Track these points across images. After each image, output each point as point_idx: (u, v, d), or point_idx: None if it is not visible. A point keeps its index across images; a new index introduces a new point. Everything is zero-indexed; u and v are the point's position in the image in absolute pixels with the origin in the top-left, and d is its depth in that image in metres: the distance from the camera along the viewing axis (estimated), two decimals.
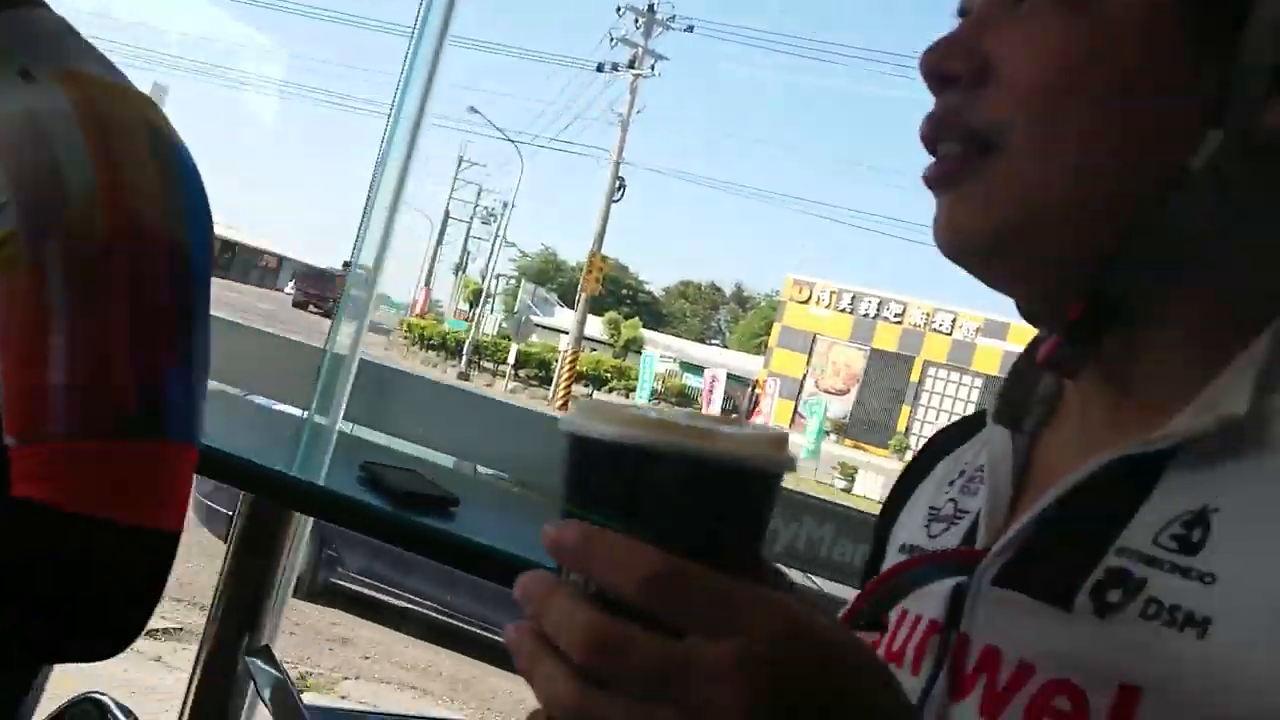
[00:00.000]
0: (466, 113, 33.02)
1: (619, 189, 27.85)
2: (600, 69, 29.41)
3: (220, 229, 53.12)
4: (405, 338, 35.52)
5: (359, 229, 1.87)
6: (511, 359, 31.86)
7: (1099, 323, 0.52)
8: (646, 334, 48.54)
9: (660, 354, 36.80)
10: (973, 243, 0.54)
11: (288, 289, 47.34)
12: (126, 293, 0.78)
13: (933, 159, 0.55)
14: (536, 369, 32.50)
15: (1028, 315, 0.59)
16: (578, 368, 29.39)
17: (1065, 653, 0.49)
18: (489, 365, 33.22)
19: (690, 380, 34.92)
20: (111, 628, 0.80)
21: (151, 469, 0.80)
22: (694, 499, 0.38)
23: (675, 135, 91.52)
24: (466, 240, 51.96)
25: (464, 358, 31.38)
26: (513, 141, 34.31)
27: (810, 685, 0.38)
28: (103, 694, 1.13)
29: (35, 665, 0.93)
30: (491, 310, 47.10)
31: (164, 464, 0.81)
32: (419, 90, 1.83)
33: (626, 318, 51.33)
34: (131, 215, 0.79)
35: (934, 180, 0.55)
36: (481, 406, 2.40)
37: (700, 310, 73.09)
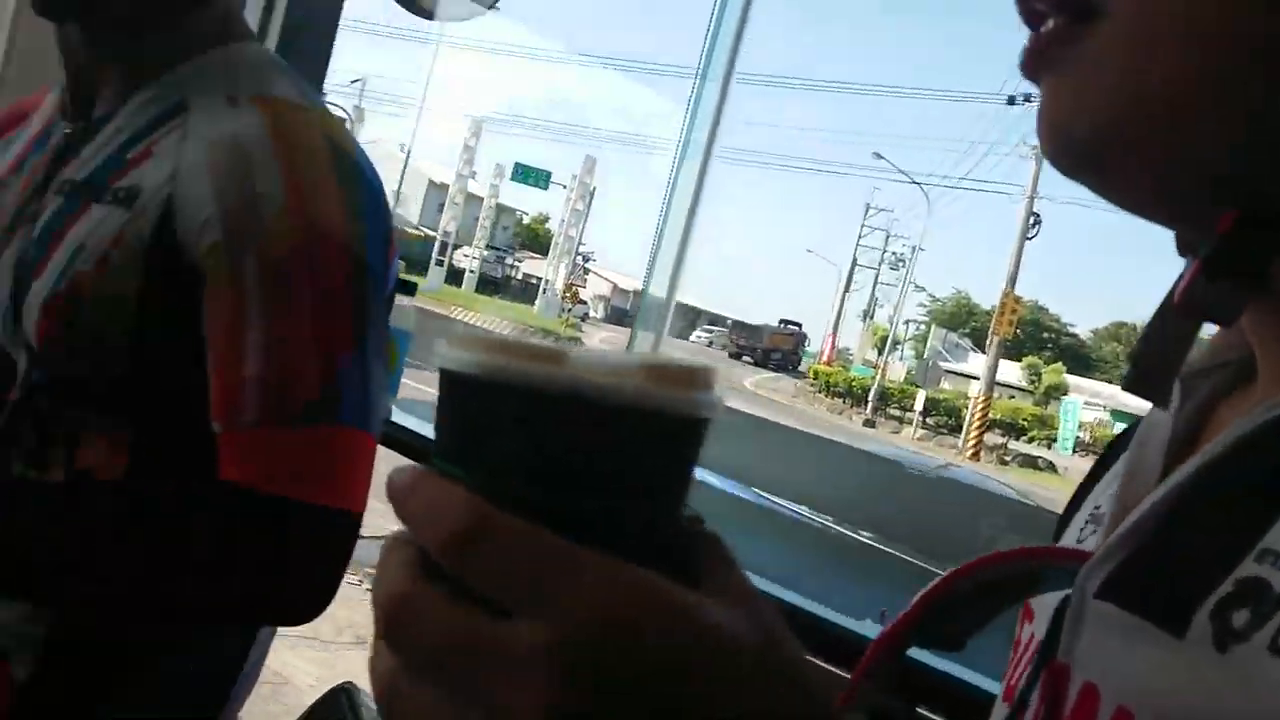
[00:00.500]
0: (872, 159, 33.14)
1: (1033, 225, 26.49)
2: (1012, 101, 28.31)
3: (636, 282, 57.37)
4: (812, 385, 36.11)
5: (650, 260, 2.15)
6: (919, 406, 31.23)
7: (1253, 241, 0.38)
8: (1072, 380, 45.12)
9: (1086, 401, 34.09)
10: (1075, 136, 0.41)
11: (695, 336, 50.05)
12: (309, 295, 0.87)
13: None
14: (946, 416, 31.54)
15: (1181, 248, 0.45)
16: (993, 415, 28.13)
17: (1170, 694, 0.36)
18: (896, 412, 32.80)
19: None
20: (298, 600, 0.88)
21: (331, 453, 0.87)
22: (534, 440, 0.31)
23: None
24: (875, 286, 51.76)
25: (870, 404, 31.27)
26: (918, 184, 33.92)
27: (645, 685, 0.29)
28: (353, 684, 1.17)
29: (238, 631, 1.04)
30: (900, 356, 46.41)
31: (342, 449, 0.88)
32: (706, 126, 2.05)
33: (1047, 362, 48.21)
34: (313, 225, 0.87)
35: (1029, 61, 0.42)
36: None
37: None
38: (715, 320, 56.85)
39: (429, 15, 3.04)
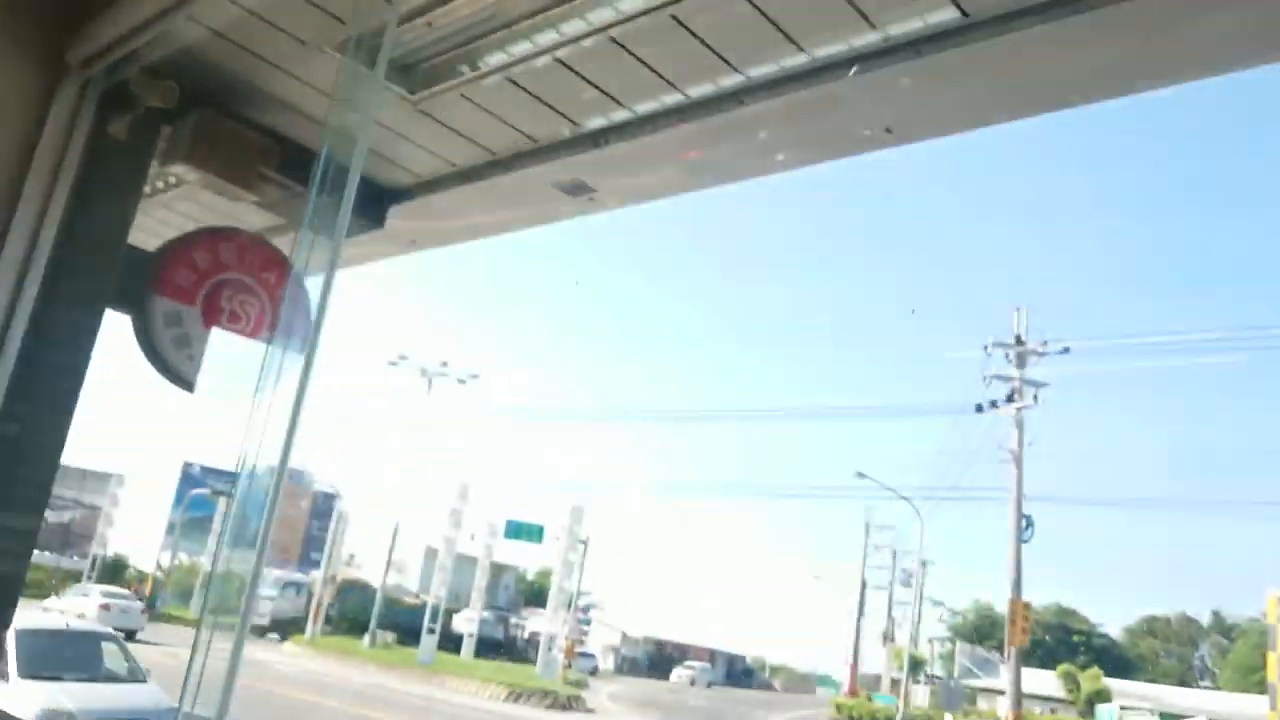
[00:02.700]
0: (855, 479, 33.44)
1: (1026, 528, 26.22)
2: (979, 409, 29.02)
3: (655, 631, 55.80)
4: (835, 719, 34.01)
5: None
6: None
7: None
8: (1112, 683, 42.72)
9: (1126, 706, 31.99)
10: None
11: (676, 674, 48.01)
12: None
13: None
14: None
15: None
16: None
17: None
18: None
19: None
20: None
21: None
22: None
23: (1085, 460, 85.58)
24: (890, 608, 50.27)
25: None
26: (905, 499, 33.97)
27: None
28: None
29: None
30: (926, 679, 44.07)
31: None
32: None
33: (1082, 668, 45.79)
34: None
35: None
36: None
37: (1175, 648, 63.50)
38: (684, 653, 54.86)
39: (189, 389, 3.15)
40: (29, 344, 2.72)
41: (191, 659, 1.52)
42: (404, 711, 20.73)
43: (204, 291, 3.21)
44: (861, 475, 33.22)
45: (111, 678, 10.84)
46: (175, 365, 3.12)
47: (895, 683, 41.77)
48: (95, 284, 2.96)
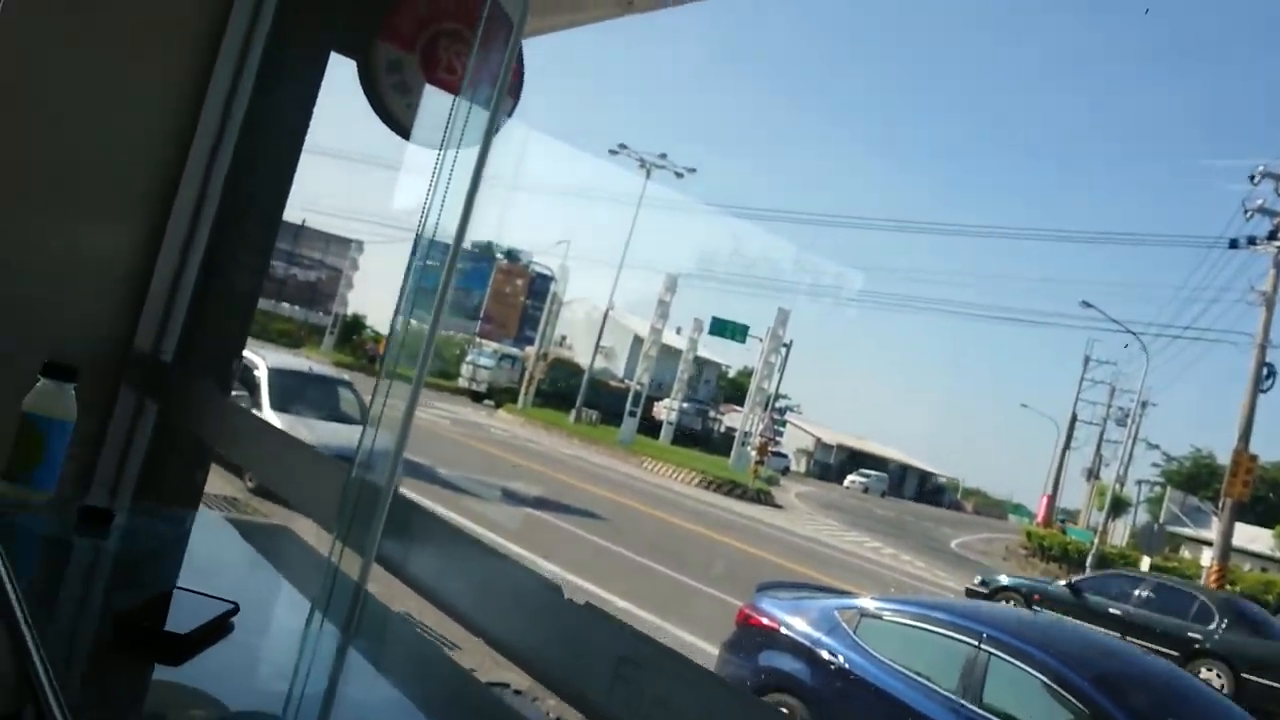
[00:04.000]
0: (1080, 308, 31.54)
1: (1267, 377, 24.18)
2: (1234, 244, 26.41)
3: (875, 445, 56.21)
4: (1025, 547, 33.68)
5: None
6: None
7: None
8: None
9: None
10: None
11: (849, 481, 48.36)
12: None
13: None
14: None
15: None
16: (1237, 588, 25.15)
17: None
18: None
19: None
20: None
21: None
22: None
23: None
24: (1100, 445, 48.34)
25: (1086, 570, 28.73)
26: (1134, 334, 31.88)
27: None
28: None
29: None
30: (1133, 519, 42.70)
31: None
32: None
33: None
34: None
35: None
36: None
37: None
38: (879, 464, 54.66)
39: (405, 135, 3.18)
40: (260, 83, 2.82)
41: (373, 400, 1.66)
42: (605, 483, 22.06)
43: (424, 40, 3.20)
44: (1087, 305, 31.29)
45: (343, 418, 12.01)
46: (395, 112, 3.16)
47: (1096, 525, 40.69)
48: (322, 25, 3.00)
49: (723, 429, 49.36)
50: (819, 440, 55.32)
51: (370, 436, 1.60)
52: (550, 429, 34.13)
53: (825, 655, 6.16)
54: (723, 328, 37.11)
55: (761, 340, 36.17)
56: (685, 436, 41.59)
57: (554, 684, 1.17)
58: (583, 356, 43.92)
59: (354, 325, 45.29)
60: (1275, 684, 12.88)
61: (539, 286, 48.71)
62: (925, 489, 58.73)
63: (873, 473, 51.86)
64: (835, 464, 55.12)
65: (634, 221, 43.15)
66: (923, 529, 34.17)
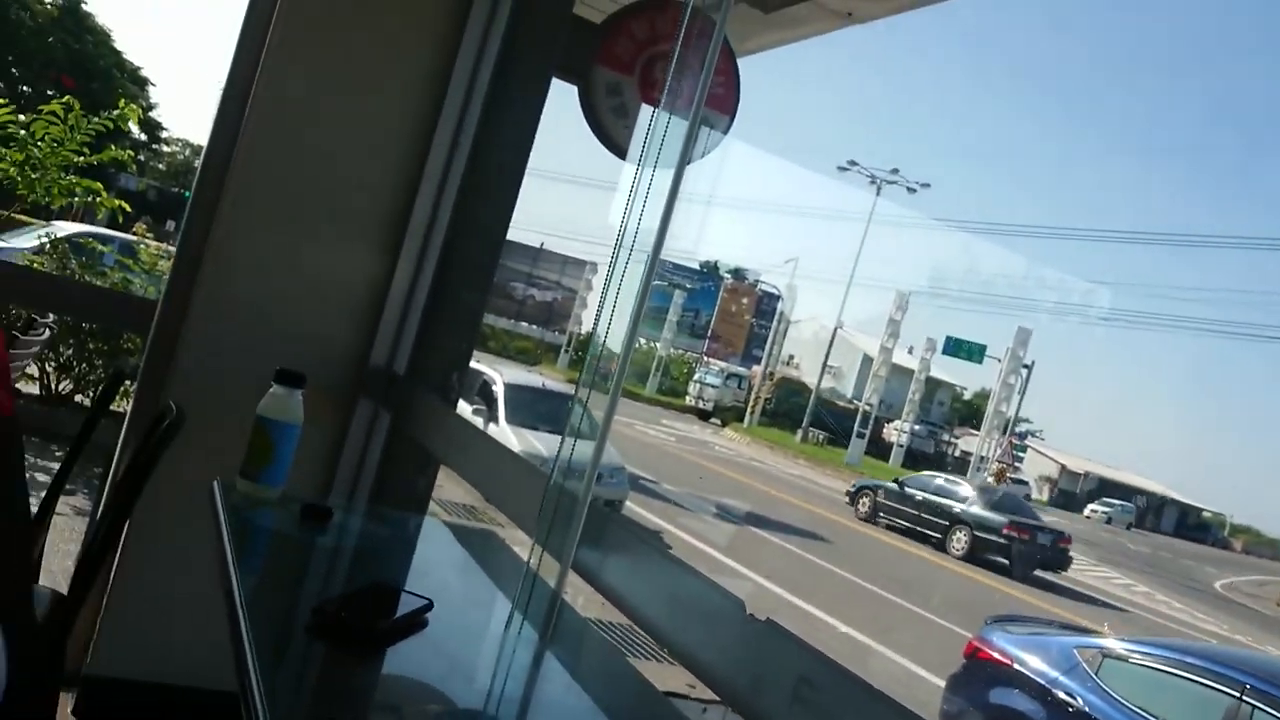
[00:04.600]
0: None
1: None
2: None
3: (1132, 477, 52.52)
4: None
5: None
6: None
7: None
8: None
9: None
10: None
11: (1089, 510, 44.38)
12: None
13: None
14: None
15: None
16: None
17: None
18: None
19: None
20: None
21: None
22: None
23: None
24: None
25: None
26: None
27: None
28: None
29: None
30: None
31: None
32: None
33: None
34: None
35: None
36: None
37: None
38: (1130, 495, 50.06)
39: (621, 155, 3.24)
40: (486, 111, 2.97)
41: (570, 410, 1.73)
42: (829, 505, 21.67)
43: (641, 62, 3.28)
44: None
45: (575, 434, 12.43)
46: (613, 134, 3.25)
47: None
48: (544, 53, 3.13)
49: (957, 453, 47.31)
50: (1064, 467, 51.99)
51: (569, 446, 1.65)
52: (775, 448, 33.90)
53: (1062, 696, 5.77)
54: (957, 347, 35.68)
55: (1000, 360, 34.47)
56: (916, 458, 40.19)
57: (732, 698, 1.15)
58: (810, 376, 43.41)
59: (587, 343, 46.79)
60: None
61: (766, 305, 48.61)
62: (1186, 523, 53.88)
63: (1116, 502, 48.12)
64: (1082, 493, 51.60)
65: (863, 239, 42.29)
66: (1181, 567, 31.36)
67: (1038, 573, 17.33)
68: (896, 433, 38.15)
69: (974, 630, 7.40)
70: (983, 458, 34.34)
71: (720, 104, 3.26)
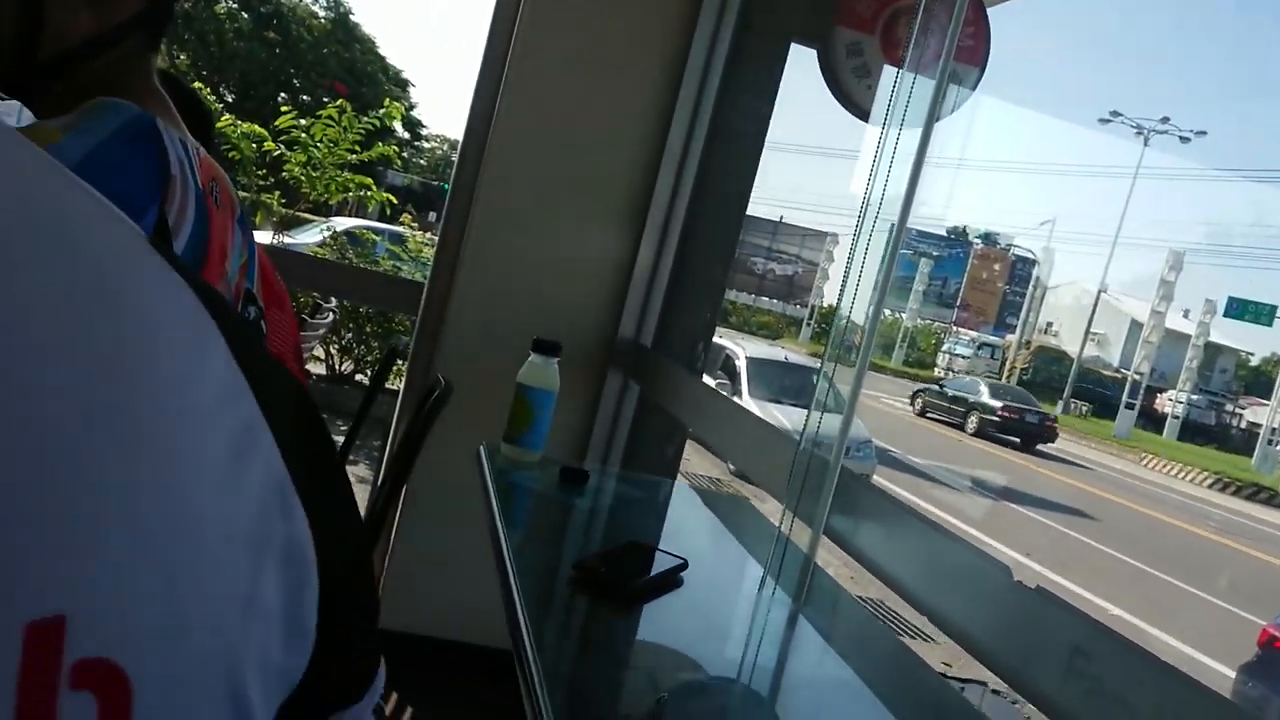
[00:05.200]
0: None
1: None
2: None
3: None
4: None
5: None
6: None
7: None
8: None
9: None
10: None
11: None
12: None
13: None
14: None
15: None
16: None
17: None
18: None
19: None
20: None
21: None
22: None
23: None
24: None
25: None
26: None
27: None
28: None
29: None
30: None
31: None
32: None
33: None
34: None
35: None
36: None
37: None
38: None
39: (864, 117, 3.14)
40: (725, 81, 2.98)
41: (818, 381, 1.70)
42: (1095, 480, 20.32)
43: (883, 19, 3.17)
44: None
45: (820, 408, 12.31)
46: (855, 96, 3.16)
47: None
48: (782, 18, 3.10)
49: (1243, 424, 42.98)
50: None
51: (815, 420, 1.63)
52: None
53: None
54: (1243, 309, 32.34)
55: None
56: (1194, 431, 36.86)
57: (1001, 670, 1.10)
58: (1070, 344, 40.76)
59: (829, 316, 46.14)
60: None
61: (1020, 271, 46.02)
62: None
63: None
64: None
65: (1129, 196, 39.09)
66: None
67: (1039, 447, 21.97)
68: (1171, 403, 35.12)
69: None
70: (1274, 429, 31.00)
71: (969, 56, 3.10)
